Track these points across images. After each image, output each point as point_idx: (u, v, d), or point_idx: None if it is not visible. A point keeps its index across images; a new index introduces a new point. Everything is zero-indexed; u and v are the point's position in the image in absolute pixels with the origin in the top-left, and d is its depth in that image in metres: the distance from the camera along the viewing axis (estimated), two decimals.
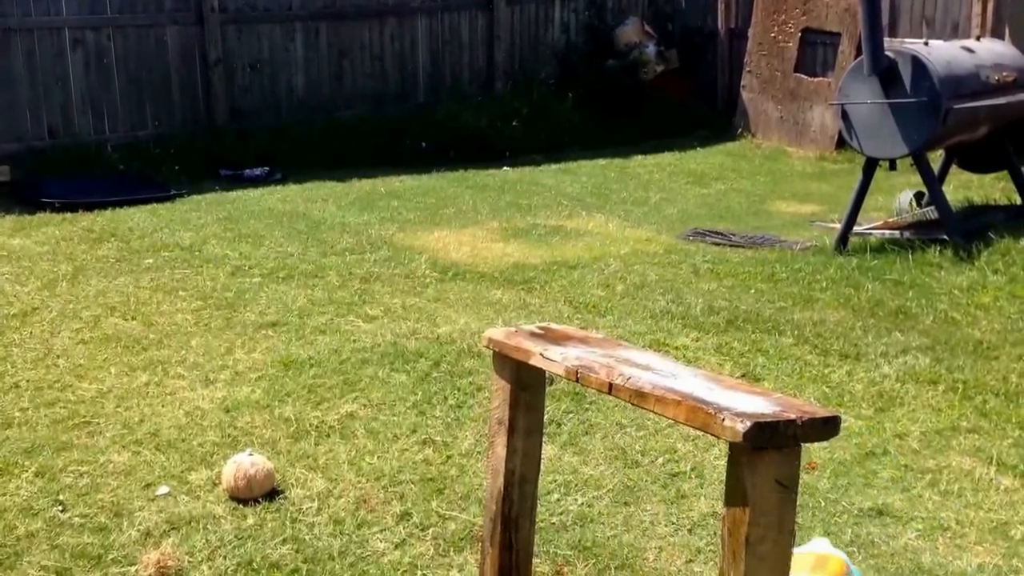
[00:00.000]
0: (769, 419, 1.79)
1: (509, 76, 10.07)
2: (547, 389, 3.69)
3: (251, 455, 2.97)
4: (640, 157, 8.71)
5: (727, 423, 1.79)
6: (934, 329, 4.49)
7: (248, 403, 3.62)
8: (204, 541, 2.64)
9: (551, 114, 9.55)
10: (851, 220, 5.86)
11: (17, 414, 3.42)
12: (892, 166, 5.83)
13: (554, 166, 8.56)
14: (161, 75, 8.42)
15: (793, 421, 1.80)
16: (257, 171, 8.10)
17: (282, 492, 2.94)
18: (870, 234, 5.99)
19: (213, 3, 8.49)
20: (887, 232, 6.01)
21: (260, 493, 2.89)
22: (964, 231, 5.53)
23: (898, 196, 6.50)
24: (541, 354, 2.17)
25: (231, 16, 8.66)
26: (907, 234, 5.88)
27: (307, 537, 2.68)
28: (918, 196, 6.30)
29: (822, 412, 1.86)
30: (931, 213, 5.97)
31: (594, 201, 7.30)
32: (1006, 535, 2.84)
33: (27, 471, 3.00)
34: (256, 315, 4.60)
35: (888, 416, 3.64)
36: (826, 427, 1.85)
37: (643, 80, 10.27)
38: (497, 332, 2.32)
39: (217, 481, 2.97)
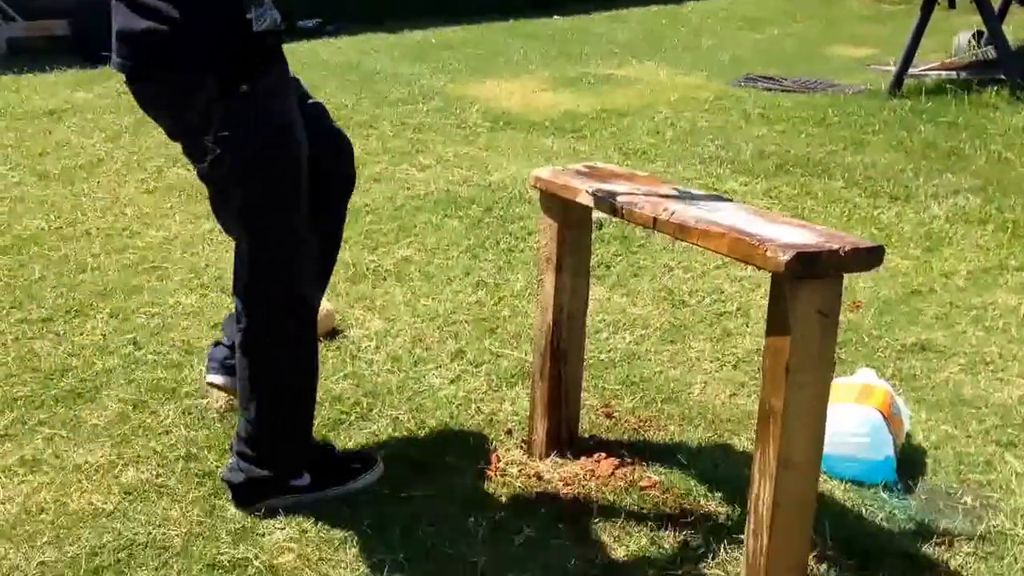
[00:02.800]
0: (812, 249, 1.73)
1: None
2: (596, 233, 3.64)
3: None
4: (692, 3, 8.32)
5: (769, 254, 1.72)
6: (986, 170, 4.30)
7: None
8: None
9: None
10: (907, 61, 5.55)
11: (90, 259, 3.47)
12: (951, 4, 5.48)
13: (605, 14, 8.22)
14: None
15: (836, 251, 1.74)
16: (310, 23, 7.90)
17: (342, 332, 2.96)
18: (926, 76, 5.69)
19: None
20: (943, 73, 5.70)
21: (321, 333, 2.91)
22: (1023, 70, 5.21)
23: (957, 36, 6.13)
24: (587, 191, 2.10)
25: None
26: (964, 75, 5.57)
27: (366, 373, 2.72)
28: (977, 35, 5.93)
29: (866, 243, 1.78)
30: (990, 53, 5.63)
31: (645, 49, 7.02)
32: None
33: (102, 312, 3.06)
34: None
35: (936, 255, 3.53)
36: (870, 257, 1.78)
37: None
38: (544, 172, 2.25)
39: None
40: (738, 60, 6.66)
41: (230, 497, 2.12)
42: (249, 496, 2.09)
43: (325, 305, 2.96)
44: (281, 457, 2.11)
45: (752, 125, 5.24)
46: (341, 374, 2.70)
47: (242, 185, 1.96)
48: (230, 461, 2.14)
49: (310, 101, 2.22)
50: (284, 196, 1.99)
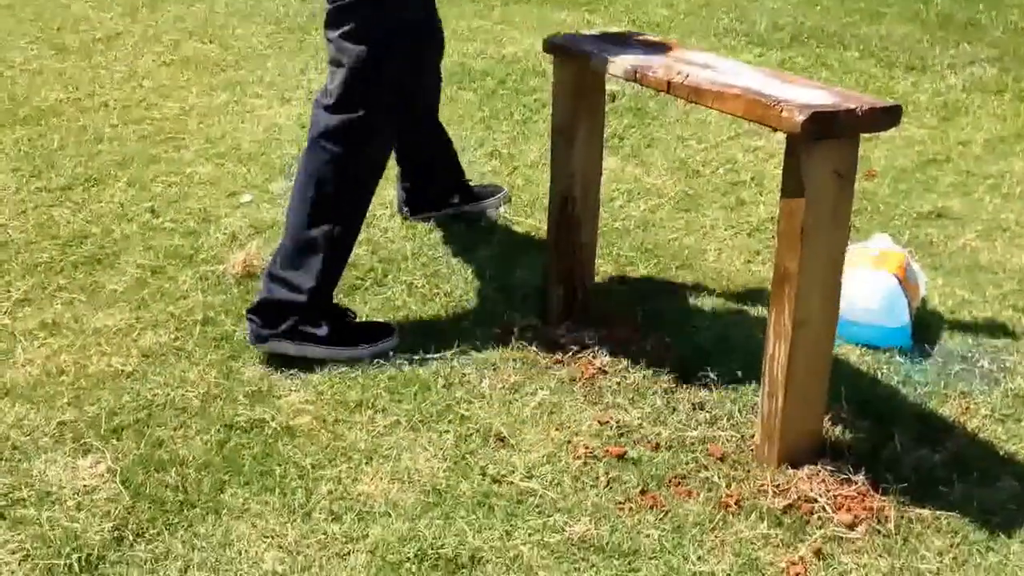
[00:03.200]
0: (828, 109, 1.55)
1: None
2: (609, 106, 3.41)
3: None
4: None
5: (785, 114, 1.56)
6: (1003, 40, 4.00)
7: None
8: None
9: None
10: None
11: (108, 130, 3.28)
12: None
13: None
14: None
15: (853, 111, 1.57)
16: None
17: None
18: None
19: None
20: None
21: None
22: None
23: None
24: (600, 54, 1.89)
25: None
26: None
27: (381, 240, 2.56)
28: None
29: (883, 102, 1.60)
30: None
31: None
32: None
33: (120, 181, 2.89)
34: None
35: (952, 125, 3.30)
36: (887, 117, 1.61)
37: None
38: (557, 38, 2.04)
39: None
40: None
41: (250, 327, 2.01)
42: (267, 319, 1.99)
43: None
44: (312, 289, 2.02)
45: None
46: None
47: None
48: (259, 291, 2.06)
49: None
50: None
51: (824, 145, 1.60)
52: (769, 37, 4.30)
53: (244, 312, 2.07)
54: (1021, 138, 3.19)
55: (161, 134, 3.26)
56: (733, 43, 4.25)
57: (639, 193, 2.87)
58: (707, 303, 2.29)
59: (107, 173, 2.94)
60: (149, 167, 2.99)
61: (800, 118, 1.55)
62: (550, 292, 2.21)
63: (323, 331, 2.02)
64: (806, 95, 1.65)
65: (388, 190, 2.86)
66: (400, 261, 2.46)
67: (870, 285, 2.14)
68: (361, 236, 2.57)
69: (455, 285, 2.35)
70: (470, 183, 2.75)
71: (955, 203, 2.78)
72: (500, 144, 3.22)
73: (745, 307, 2.28)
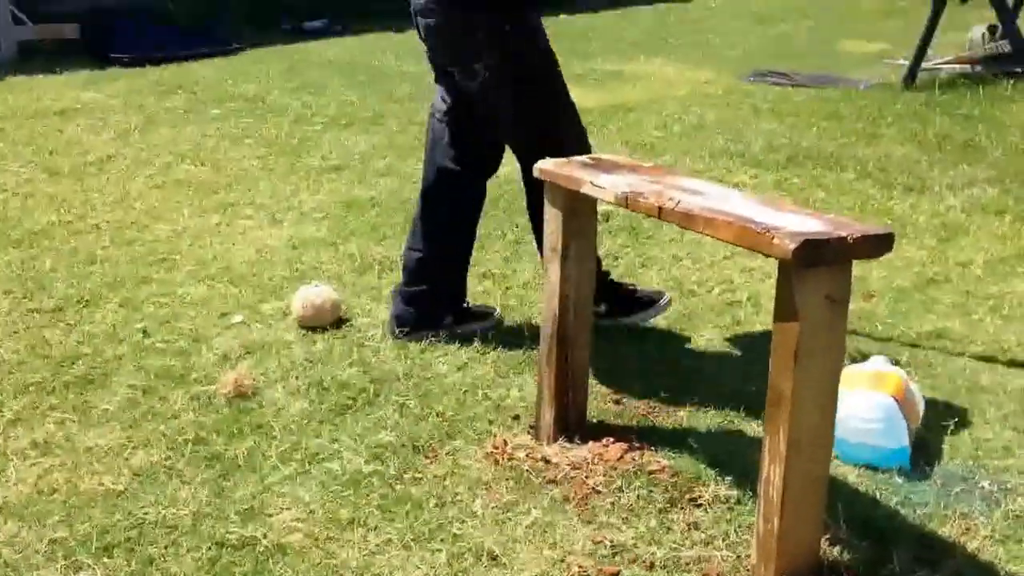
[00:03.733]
0: (820, 236, 1.73)
1: None
2: (603, 225, 3.66)
3: (318, 287, 3.02)
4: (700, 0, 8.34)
5: (776, 241, 1.72)
6: (1003, 161, 4.30)
7: (314, 241, 3.66)
8: (277, 363, 2.72)
9: None
10: (920, 55, 5.56)
11: (100, 252, 3.51)
12: None
13: (612, 11, 8.25)
14: None
15: (844, 238, 1.73)
16: (317, 23, 7.97)
17: (348, 321, 2.99)
18: (940, 70, 5.69)
19: None
20: (957, 67, 5.70)
21: (328, 321, 2.95)
22: None
23: (971, 30, 6.14)
24: (591, 182, 2.12)
25: None
26: (978, 68, 5.58)
27: (373, 360, 2.74)
28: (991, 29, 5.93)
29: (875, 229, 1.79)
30: (1004, 46, 5.63)
31: (653, 45, 7.05)
32: None
33: (111, 302, 3.10)
34: (319, 160, 4.60)
35: (952, 245, 3.54)
36: (879, 243, 1.78)
37: None
38: (549, 163, 2.28)
39: (287, 311, 3.03)
40: (748, 56, 6.67)
41: (393, 325, 2.80)
42: (401, 321, 2.82)
43: (331, 295, 3.00)
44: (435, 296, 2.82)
45: (762, 119, 5.25)
46: (348, 361, 2.73)
47: (518, 99, 2.60)
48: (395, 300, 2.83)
49: None
50: (554, 102, 2.66)
51: (816, 271, 1.74)
52: (765, 158, 4.61)
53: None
54: (1022, 259, 3.41)
55: (153, 256, 3.49)
56: (728, 164, 4.55)
57: None
58: (702, 423, 2.45)
59: (99, 294, 3.15)
60: (140, 288, 3.21)
61: (791, 246, 1.69)
62: (543, 411, 2.37)
63: (448, 321, 2.81)
64: (797, 222, 1.81)
65: (380, 310, 3.06)
66: (392, 381, 2.63)
67: (868, 406, 2.30)
68: (353, 356, 2.76)
69: (447, 405, 2.51)
70: (468, 305, 3.00)
71: (955, 324, 2.98)
72: (493, 265, 3.44)
73: (741, 427, 2.44)
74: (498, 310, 3.04)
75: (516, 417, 2.46)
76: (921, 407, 2.43)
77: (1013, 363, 2.75)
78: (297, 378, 2.64)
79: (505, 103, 2.63)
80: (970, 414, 2.49)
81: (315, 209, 3.99)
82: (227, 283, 3.26)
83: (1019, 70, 5.22)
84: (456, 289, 2.95)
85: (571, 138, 2.67)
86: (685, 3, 8.49)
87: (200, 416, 2.44)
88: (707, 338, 2.92)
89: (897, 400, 2.31)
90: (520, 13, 2.59)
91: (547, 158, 2.30)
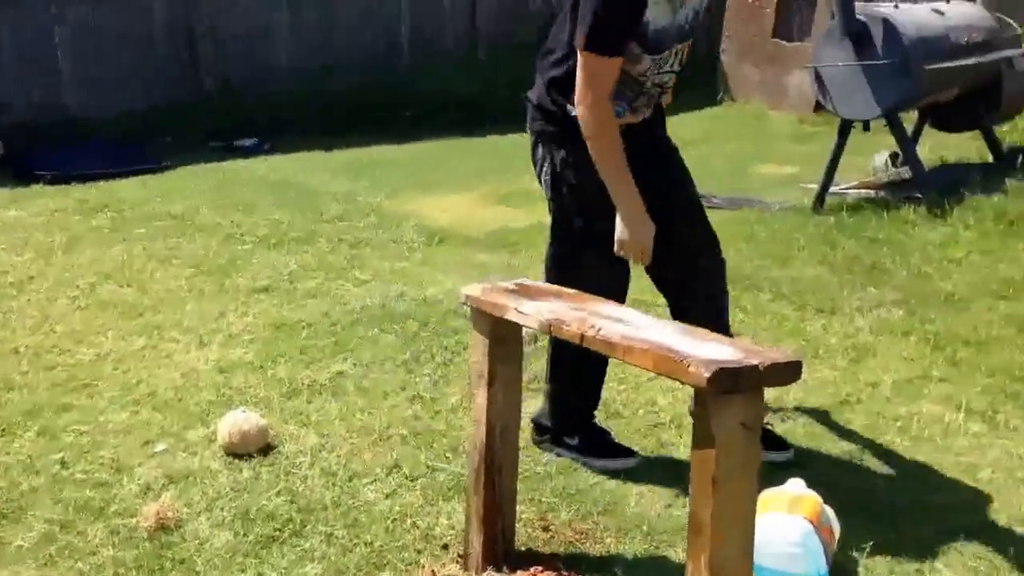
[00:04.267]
0: (733, 364, 1.85)
1: (493, 42, 10.03)
2: (533, 346, 3.75)
3: (245, 412, 3.02)
4: None
5: (692, 369, 1.84)
6: (908, 283, 4.55)
7: (242, 364, 3.67)
8: (202, 494, 2.70)
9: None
10: (828, 180, 5.89)
11: (17, 377, 3.46)
12: (866, 127, 5.87)
13: None
14: (148, 47, 8.38)
15: (755, 366, 1.85)
16: (247, 141, 8.09)
17: (276, 447, 2.99)
18: (847, 194, 6.04)
19: None
20: (863, 191, 6.06)
21: (254, 448, 2.94)
22: (937, 189, 5.57)
23: (874, 156, 6.54)
24: (516, 309, 2.21)
25: None
26: (882, 193, 5.93)
27: (301, 488, 2.74)
28: (893, 156, 6.34)
29: (784, 357, 1.91)
30: (905, 172, 6.02)
31: None
32: (974, 477, 2.91)
33: (29, 431, 3.04)
34: (248, 280, 4.64)
35: (862, 367, 3.71)
36: (788, 371, 1.91)
37: None
38: (474, 289, 2.36)
39: (213, 438, 3.02)
40: None
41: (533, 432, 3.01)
42: (540, 432, 3.03)
43: (258, 421, 3.01)
44: (560, 416, 2.99)
45: None
46: (275, 490, 2.72)
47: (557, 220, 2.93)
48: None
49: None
50: (571, 233, 2.90)
51: (731, 399, 1.87)
52: None
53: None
54: (928, 379, 3.60)
55: (74, 381, 3.45)
56: (650, 284, 4.72)
57: None
58: (628, 549, 2.50)
59: (15, 423, 3.09)
60: (60, 416, 3.16)
61: (706, 374, 1.83)
62: (472, 539, 2.40)
63: (574, 441, 2.96)
64: (712, 350, 1.94)
65: (309, 435, 3.07)
66: (319, 510, 2.62)
67: (784, 531, 2.38)
68: (280, 485, 2.76)
69: (376, 534, 2.52)
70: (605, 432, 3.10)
71: (867, 445, 3.11)
72: (422, 388, 3.49)
73: (666, 553, 2.50)
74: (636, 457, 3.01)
75: (445, 547, 2.48)
76: (837, 530, 2.52)
77: (926, 484, 2.88)
78: (222, 508, 2.62)
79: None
80: (886, 536, 2.59)
81: (243, 331, 4.00)
82: (151, 409, 3.24)
83: (919, 195, 5.57)
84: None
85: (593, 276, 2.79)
86: None
87: (120, 551, 2.40)
88: (633, 461, 2.99)
89: (813, 524, 2.40)
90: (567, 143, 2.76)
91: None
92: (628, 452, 2.99)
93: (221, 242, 5.26)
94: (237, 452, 2.92)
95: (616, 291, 2.85)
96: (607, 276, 2.86)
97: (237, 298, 4.40)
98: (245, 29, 8.80)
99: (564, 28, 2.76)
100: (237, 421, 2.96)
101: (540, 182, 2.92)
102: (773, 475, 2.77)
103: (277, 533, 2.50)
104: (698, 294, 3.00)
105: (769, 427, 3.08)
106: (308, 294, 4.47)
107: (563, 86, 2.71)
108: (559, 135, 2.76)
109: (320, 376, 3.56)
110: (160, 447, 2.98)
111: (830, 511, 2.53)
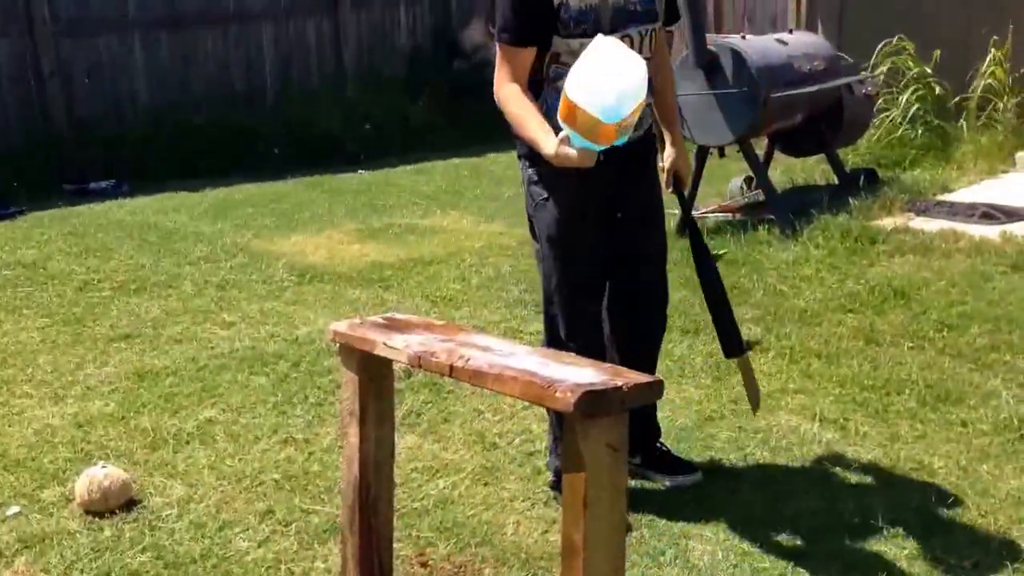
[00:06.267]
0: (597, 387, 1.90)
1: (359, 79, 10.01)
2: (406, 382, 3.75)
3: (105, 467, 2.90)
4: (493, 154, 8.82)
5: (558, 394, 1.88)
6: (764, 301, 4.76)
7: (101, 417, 3.52)
8: (59, 557, 2.57)
9: (403, 116, 9.56)
10: (688, 205, 6.11)
11: None
12: (721, 153, 6.13)
13: (408, 167, 8.58)
14: None
15: (620, 388, 1.92)
16: (103, 184, 7.79)
17: (140, 502, 2.88)
18: (706, 217, 6.28)
19: (44, 14, 8.10)
20: (721, 215, 6.32)
21: (116, 504, 2.83)
22: (788, 210, 5.87)
23: (730, 181, 6.84)
24: (384, 343, 2.22)
25: (64, 26, 8.27)
26: (739, 216, 6.20)
27: (167, 543, 2.65)
28: (747, 180, 6.64)
29: (646, 377, 1.99)
30: (759, 196, 6.32)
31: (449, 199, 7.37)
32: (828, 483, 3.07)
33: None
34: (107, 329, 4.46)
35: (725, 384, 3.86)
36: (651, 391, 1.98)
37: (490, 79, 10.39)
38: (342, 325, 2.35)
39: (70, 497, 2.88)
40: None
41: None
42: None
43: (119, 475, 2.89)
44: None
45: None
46: (139, 547, 2.62)
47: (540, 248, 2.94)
48: None
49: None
50: (564, 268, 2.88)
51: (597, 421, 1.93)
52: None
53: None
54: (785, 393, 3.77)
55: None
56: (523, 313, 4.79)
57: (437, 471, 3.14)
58: None
59: None
60: None
61: (572, 398, 1.88)
62: None
63: (636, 460, 3.01)
64: (578, 374, 2.00)
65: (176, 487, 2.96)
66: (188, 564, 2.54)
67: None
68: (145, 541, 2.65)
69: None
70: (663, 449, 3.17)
71: (730, 458, 3.24)
72: (294, 429, 3.43)
73: None
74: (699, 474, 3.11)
75: None
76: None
77: (784, 492, 3.01)
78: (82, 571, 2.51)
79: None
80: (750, 545, 2.70)
81: (102, 382, 3.84)
82: (1, 470, 3.06)
83: (772, 217, 5.85)
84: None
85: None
86: (478, 157, 8.97)
87: None
88: (510, 491, 3.02)
89: None
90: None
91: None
92: (691, 467, 3.12)
93: (76, 290, 5.04)
94: (97, 510, 2.80)
95: (593, 291, 2.96)
96: (583, 289, 2.94)
97: (95, 348, 4.23)
98: (97, 67, 8.51)
99: None
100: (96, 477, 2.84)
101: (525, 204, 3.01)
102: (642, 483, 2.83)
103: None
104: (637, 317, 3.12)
105: (666, 449, 3.17)
106: (173, 340, 4.33)
107: None
108: (529, 155, 2.86)
109: (187, 424, 3.45)
110: (12, 510, 2.83)
111: None
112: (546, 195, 2.84)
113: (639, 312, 3.05)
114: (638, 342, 3.08)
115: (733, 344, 3.27)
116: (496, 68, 2.82)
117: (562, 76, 2.63)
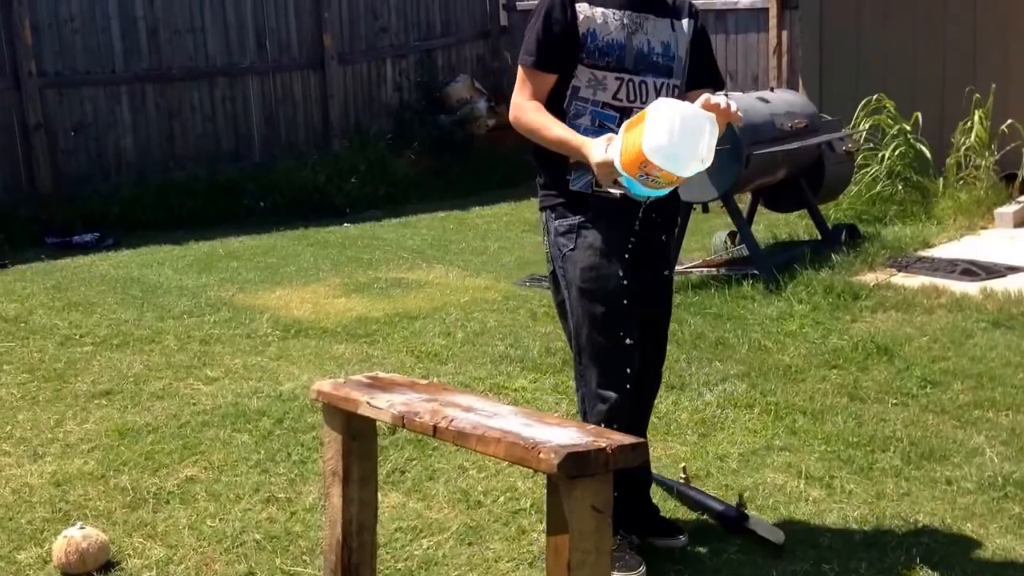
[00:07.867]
0: (581, 449, 1.91)
1: (345, 134, 10.11)
2: (390, 439, 3.74)
3: (83, 528, 2.87)
4: (478, 208, 8.89)
5: (542, 456, 1.89)
6: (749, 357, 4.79)
7: (80, 475, 3.48)
8: None
9: (389, 170, 9.64)
10: (672, 260, 6.18)
11: None
12: (705, 209, 6.21)
13: (394, 220, 8.63)
14: None
15: (603, 449, 1.93)
16: (87, 237, 7.80)
17: (118, 563, 2.85)
18: (691, 272, 6.34)
19: (30, 67, 8.18)
20: (705, 270, 6.37)
21: (94, 567, 2.79)
22: (772, 266, 5.93)
23: (714, 236, 6.91)
24: (368, 402, 2.22)
25: (50, 80, 8.36)
26: (723, 271, 6.25)
27: None
28: (731, 236, 6.71)
29: (629, 439, 2.00)
30: (743, 251, 6.38)
31: (434, 253, 7.41)
32: (815, 543, 3.06)
33: None
34: (88, 385, 4.43)
35: (710, 440, 3.86)
36: (634, 452, 1.99)
37: (476, 134, 10.52)
38: (325, 384, 2.36)
39: (48, 558, 2.85)
40: (523, 262, 7.13)
41: None
42: None
43: (98, 536, 2.86)
44: None
45: (539, 323, 5.59)
46: None
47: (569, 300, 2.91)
48: None
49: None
50: (594, 317, 2.84)
51: (582, 483, 1.94)
52: (542, 362, 4.89)
53: None
54: (770, 450, 3.78)
55: None
56: (509, 369, 4.79)
57: (421, 530, 3.12)
58: None
59: None
60: None
61: (556, 459, 1.89)
62: None
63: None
64: (561, 435, 2.01)
65: (155, 548, 2.92)
66: None
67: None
68: None
69: None
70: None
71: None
72: (277, 488, 3.41)
73: None
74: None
75: None
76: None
77: (767, 553, 3.00)
78: None
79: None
80: None
81: (82, 440, 3.81)
82: None
83: (756, 272, 5.91)
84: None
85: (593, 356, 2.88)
86: (463, 211, 9.03)
87: None
88: (495, 550, 3.00)
89: None
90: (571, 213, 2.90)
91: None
92: (677, 529, 3.10)
93: (58, 345, 5.02)
94: (75, 572, 2.77)
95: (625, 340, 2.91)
96: (612, 341, 2.90)
97: (76, 404, 4.20)
98: (82, 122, 8.56)
99: None
100: (74, 538, 2.81)
101: (546, 257, 3.04)
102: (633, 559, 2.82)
103: None
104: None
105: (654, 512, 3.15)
106: (154, 396, 4.31)
107: (540, 158, 2.91)
108: (552, 206, 2.92)
109: (167, 483, 3.42)
110: None
111: None
112: (572, 246, 2.87)
113: (645, 369, 3.06)
114: (644, 399, 3.12)
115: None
116: (515, 91, 2.85)
117: (582, 113, 2.78)
